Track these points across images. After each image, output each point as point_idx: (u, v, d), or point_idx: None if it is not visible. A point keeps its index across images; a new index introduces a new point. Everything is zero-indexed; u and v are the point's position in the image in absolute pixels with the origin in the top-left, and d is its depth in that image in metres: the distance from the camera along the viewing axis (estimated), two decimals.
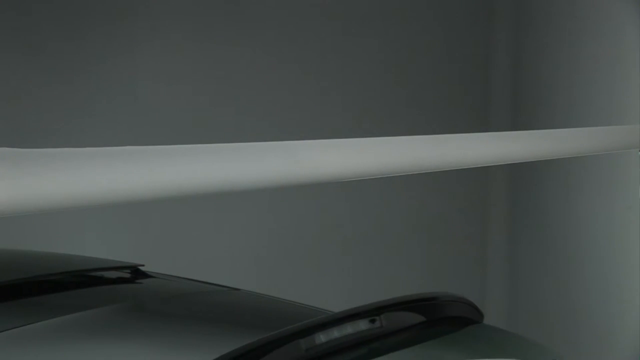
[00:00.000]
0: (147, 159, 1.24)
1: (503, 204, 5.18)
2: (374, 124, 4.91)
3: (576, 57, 4.59)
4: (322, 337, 1.77)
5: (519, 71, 5.05)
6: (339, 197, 4.89)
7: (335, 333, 1.80)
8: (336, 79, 4.89)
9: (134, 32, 4.46)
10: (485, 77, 5.20)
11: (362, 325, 1.87)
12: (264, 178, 1.38)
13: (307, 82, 4.82)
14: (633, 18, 4.18)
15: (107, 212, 4.39)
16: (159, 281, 2.47)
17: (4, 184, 1.07)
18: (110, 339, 1.91)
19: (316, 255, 4.89)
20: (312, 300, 2.55)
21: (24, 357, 1.78)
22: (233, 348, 1.66)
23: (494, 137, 1.90)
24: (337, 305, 2.03)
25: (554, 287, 4.74)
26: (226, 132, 4.54)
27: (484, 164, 1.82)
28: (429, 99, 5.11)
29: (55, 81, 4.33)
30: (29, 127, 4.29)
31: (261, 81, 4.71)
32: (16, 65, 4.27)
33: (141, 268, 2.51)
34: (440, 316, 2.09)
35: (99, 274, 2.47)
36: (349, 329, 1.83)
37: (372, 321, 1.89)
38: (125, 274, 2.48)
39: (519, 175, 5.04)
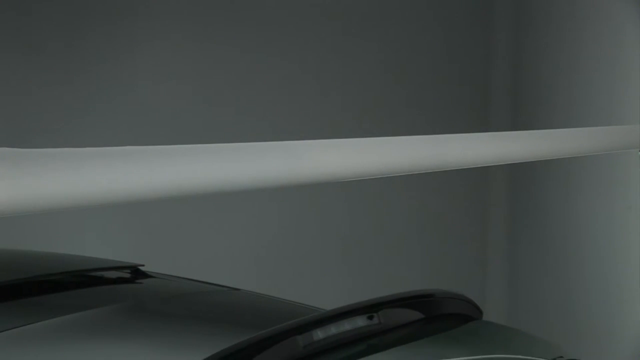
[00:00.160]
0: (147, 159, 1.24)
1: (503, 204, 5.18)
2: (374, 124, 4.91)
3: (576, 57, 4.59)
4: (319, 334, 1.76)
5: (519, 71, 5.05)
6: (339, 197, 4.89)
7: (333, 330, 1.80)
8: (336, 79, 4.89)
9: (134, 32, 4.46)
10: (485, 77, 5.20)
11: (360, 321, 1.86)
12: (264, 178, 1.38)
13: (307, 82, 4.82)
14: (633, 18, 4.17)
15: (107, 212, 4.38)
16: (159, 281, 2.47)
17: (4, 184, 1.07)
18: (110, 339, 1.91)
19: (316, 255, 4.89)
20: (313, 300, 2.55)
21: (24, 357, 1.77)
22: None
23: (494, 137, 1.90)
24: (337, 305, 2.02)
25: (554, 287, 4.74)
26: (226, 132, 4.54)
27: (484, 164, 1.82)
28: (429, 99, 5.11)
29: (55, 81, 4.33)
30: (29, 127, 4.29)
31: (261, 81, 4.71)
32: (16, 65, 4.27)
33: (141, 268, 2.51)
34: (439, 313, 2.09)
35: (99, 274, 2.47)
36: (346, 325, 1.83)
37: (370, 318, 1.89)
38: (125, 274, 2.48)
39: (519, 175, 5.04)
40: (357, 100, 4.93)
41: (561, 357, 2.12)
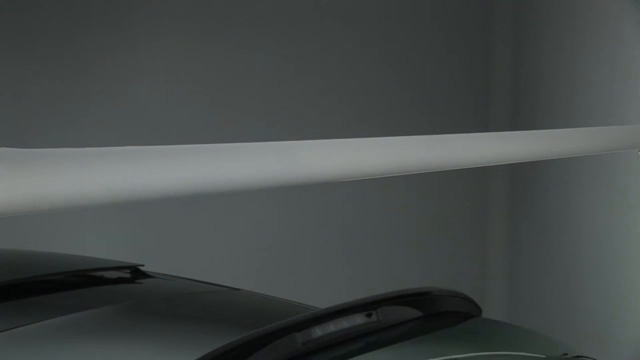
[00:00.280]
0: (147, 159, 1.24)
1: (503, 204, 5.18)
2: (374, 124, 4.91)
3: (576, 57, 4.59)
4: (317, 331, 1.76)
5: (519, 71, 5.05)
6: (339, 197, 4.90)
7: (331, 327, 1.79)
8: (336, 79, 4.89)
9: (134, 32, 4.46)
10: (485, 77, 5.20)
11: (358, 319, 1.86)
12: (264, 178, 1.38)
13: (307, 82, 4.82)
14: (633, 18, 4.17)
15: (107, 212, 4.39)
16: (159, 281, 2.47)
17: (4, 184, 1.07)
18: (110, 339, 1.91)
19: (316, 255, 4.89)
20: (312, 300, 2.55)
21: (24, 357, 1.77)
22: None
23: (494, 137, 1.90)
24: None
25: (554, 287, 4.74)
26: (226, 132, 4.54)
27: (484, 164, 1.82)
28: (429, 99, 5.11)
29: (55, 81, 4.33)
30: (29, 127, 4.29)
31: (261, 81, 4.72)
32: (16, 65, 4.27)
33: (141, 268, 2.51)
34: (438, 310, 2.08)
35: (99, 274, 2.47)
36: (344, 323, 1.83)
37: (368, 315, 1.89)
38: (125, 274, 2.48)
39: (519, 175, 5.04)
40: (357, 100, 4.93)
41: (566, 354, 2.12)
